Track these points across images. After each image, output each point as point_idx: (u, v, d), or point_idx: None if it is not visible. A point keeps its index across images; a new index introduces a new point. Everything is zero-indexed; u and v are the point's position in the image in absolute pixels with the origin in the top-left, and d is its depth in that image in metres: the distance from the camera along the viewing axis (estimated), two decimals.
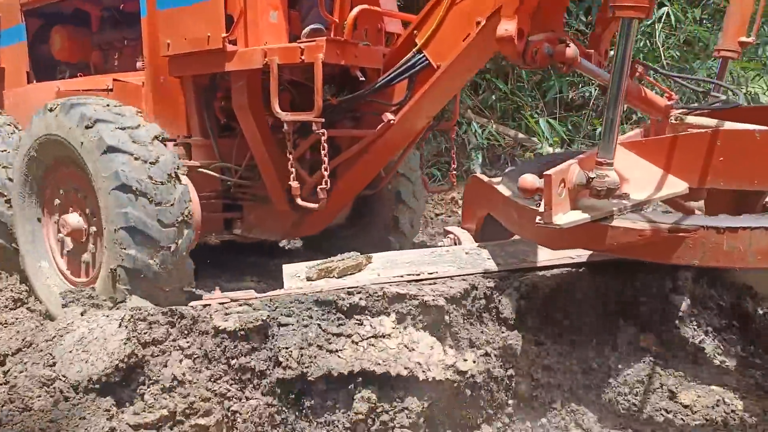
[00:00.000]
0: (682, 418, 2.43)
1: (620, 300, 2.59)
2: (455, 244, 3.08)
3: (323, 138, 3.09)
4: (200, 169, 3.76)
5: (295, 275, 2.66)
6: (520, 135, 7.23)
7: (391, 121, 3.30)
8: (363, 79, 3.27)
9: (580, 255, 2.69)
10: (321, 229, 4.10)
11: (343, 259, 2.66)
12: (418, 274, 2.59)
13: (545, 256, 2.71)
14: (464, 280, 2.54)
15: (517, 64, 2.61)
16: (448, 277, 2.58)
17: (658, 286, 2.59)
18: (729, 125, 2.30)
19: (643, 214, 2.11)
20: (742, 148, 2.17)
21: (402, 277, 2.59)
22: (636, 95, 2.96)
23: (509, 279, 2.56)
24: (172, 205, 2.97)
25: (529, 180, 2.06)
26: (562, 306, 2.56)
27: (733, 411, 2.38)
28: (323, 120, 3.10)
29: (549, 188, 1.96)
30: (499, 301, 2.49)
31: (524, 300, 2.52)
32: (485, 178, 2.91)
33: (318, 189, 3.25)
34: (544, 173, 1.98)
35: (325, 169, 3.15)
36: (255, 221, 4.09)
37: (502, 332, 2.46)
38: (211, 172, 3.80)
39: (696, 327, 2.59)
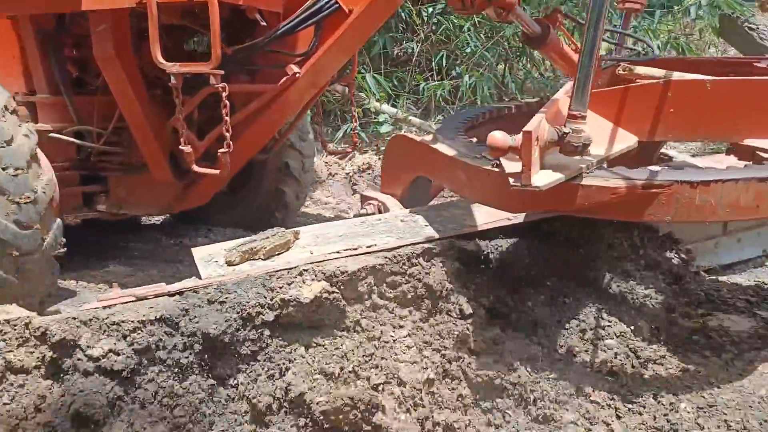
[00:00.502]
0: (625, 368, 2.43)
1: (561, 258, 2.52)
2: (379, 211, 2.80)
3: (224, 93, 2.60)
4: (52, 134, 3.07)
5: (212, 260, 2.21)
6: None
7: (297, 74, 2.89)
8: (264, 23, 2.80)
9: (517, 216, 2.56)
10: (208, 200, 3.58)
11: (267, 238, 2.26)
12: (356, 248, 2.28)
13: (483, 219, 2.54)
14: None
15: (454, 7, 2.33)
16: (389, 249, 2.30)
17: (596, 241, 2.57)
18: (678, 75, 2.25)
19: (612, 170, 1.99)
20: (692, 98, 2.13)
21: (339, 252, 2.26)
22: (555, 48, 2.85)
23: (453, 244, 2.35)
24: (32, 201, 2.33)
25: (500, 138, 1.83)
26: (508, 267, 2.42)
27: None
28: (223, 72, 2.61)
29: (529, 147, 1.75)
30: (446, 267, 2.28)
31: (471, 264, 2.34)
32: (416, 138, 2.65)
33: (219, 153, 2.77)
34: (524, 130, 1.76)
35: (227, 130, 2.68)
36: (124, 195, 3.47)
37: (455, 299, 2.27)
38: (66, 138, 3.12)
39: (637, 281, 2.61)
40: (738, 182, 1.86)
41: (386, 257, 2.18)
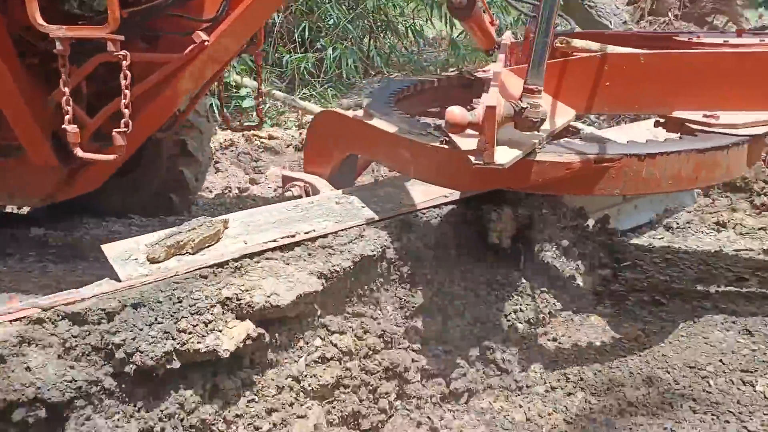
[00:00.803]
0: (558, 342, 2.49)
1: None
2: (306, 193, 2.61)
3: (125, 63, 2.26)
4: None
5: (130, 258, 1.92)
6: None
7: (205, 42, 2.58)
8: None
9: (453, 193, 2.50)
10: (98, 185, 3.16)
11: (194, 228, 2.00)
12: (294, 236, 2.09)
13: (420, 197, 2.44)
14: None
15: None
16: (329, 234, 2.14)
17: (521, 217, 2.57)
18: (612, 49, 2.27)
19: (563, 146, 1.96)
20: (627, 71, 2.15)
21: (276, 241, 2.06)
22: (478, 20, 2.79)
23: (393, 224, 2.24)
24: None
25: (459, 114, 1.72)
26: (448, 244, 2.35)
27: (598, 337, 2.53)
28: (122, 37, 2.26)
29: (492, 122, 1.65)
30: (391, 247, 2.17)
31: (413, 243, 2.24)
32: (349, 113, 2.47)
33: (115, 133, 2.42)
34: (487, 105, 1.66)
35: (127, 106, 2.34)
36: None
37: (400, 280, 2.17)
38: None
39: (567, 252, 2.66)
40: (680, 154, 1.91)
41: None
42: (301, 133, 5.46)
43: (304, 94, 6.53)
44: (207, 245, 1.99)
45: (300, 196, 2.62)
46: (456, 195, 2.48)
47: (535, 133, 1.92)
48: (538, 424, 2.09)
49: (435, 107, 2.99)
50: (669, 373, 2.29)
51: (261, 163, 5.11)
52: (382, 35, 8.06)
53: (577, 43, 2.38)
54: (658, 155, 1.88)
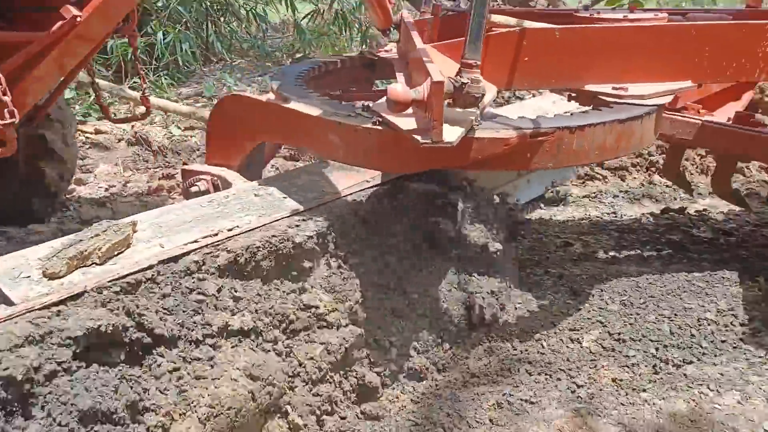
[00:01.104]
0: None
1: (418, 215, 2.44)
2: (214, 187, 2.36)
3: None
4: None
5: (20, 276, 1.59)
6: None
7: (77, 19, 2.23)
8: None
9: (375, 177, 2.40)
10: None
11: (98, 235, 1.70)
12: (216, 234, 1.87)
13: (342, 183, 2.31)
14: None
15: None
16: (253, 228, 1.94)
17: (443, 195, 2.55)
18: (529, 24, 2.27)
19: (498, 122, 1.92)
20: (544, 47, 2.17)
21: (197, 241, 1.82)
22: None
23: (320, 214, 2.09)
24: None
25: (402, 91, 1.62)
26: (374, 230, 2.25)
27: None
28: None
29: (440, 99, 1.57)
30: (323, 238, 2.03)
31: (341, 230, 2.12)
32: (260, 97, 2.25)
33: None
34: (434, 81, 1.57)
35: (5, 92, 1.95)
36: None
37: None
38: None
39: (481, 229, 2.66)
40: (605, 125, 1.96)
41: None
42: (133, 126, 4.83)
43: (134, 83, 5.90)
44: (117, 252, 1.71)
45: (207, 192, 2.37)
46: (378, 179, 2.38)
47: (469, 110, 1.87)
48: (386, 408, 2.07)
49: (338, 90, 2.85)
50: (508, 340, 2.40)
51: (89, 161, 4.47)
52: (222, 20, 7.62)
53: (496, 18, 2.36)
54: (586, 127, 1.92)
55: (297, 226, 1.96)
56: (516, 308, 2.57)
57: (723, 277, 2.80)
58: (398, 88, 1.62)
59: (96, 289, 1.56)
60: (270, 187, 2.22)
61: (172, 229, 1.88)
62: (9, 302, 1.49)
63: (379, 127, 1.87)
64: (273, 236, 1.89)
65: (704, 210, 3.75)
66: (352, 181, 2.30)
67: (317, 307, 1.93)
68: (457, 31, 2.60)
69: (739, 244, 3.20)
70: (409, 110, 1.79)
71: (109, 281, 1.60)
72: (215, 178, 2.37)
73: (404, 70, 2.49)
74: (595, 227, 3.57)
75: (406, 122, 1.76)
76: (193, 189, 2.37)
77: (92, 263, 1.65)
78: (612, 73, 2.23)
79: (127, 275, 1.64)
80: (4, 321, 1.43)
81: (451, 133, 1.65)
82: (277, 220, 2.01)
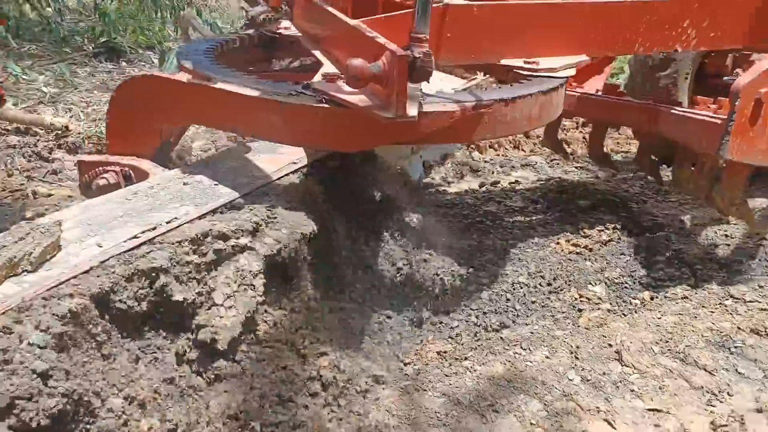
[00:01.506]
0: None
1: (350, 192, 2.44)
2: (125, 179, 2.14)
3: None
4: None
5: None
6: None
7: None
8: None
9: (300, 159, 2.33)
10: None
11: (22, 239, 1.47)
12: (154, 228, 1.70)
13: (270, 167, 2.21)
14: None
15: None
16: (192, 220, 1.80)
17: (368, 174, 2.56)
18: (451, 0, 2.30)
19: (440, 96, 1.95)
20: (464, 23, 2.22)
21: (137, 237, 1.65)
22: None
23: (258, 199, 2.00)
24: None
25: (360, 65, 1.59)
26: (312, 209, 2.20)
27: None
28: None
29: (404, 73, 1.56)
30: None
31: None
32: (179, 77, 2.05)
33: None
34: (398, 54, 1.55)
35: None
36: None
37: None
38: None
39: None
40: (532, 97, 2.08)
41: None
42: None
43: None
44: (50, 256, 1.50)
45: (117, 184, 2.15)
46: (303, 160, 2.32)
47: (415, 84, 1.88)
48: None
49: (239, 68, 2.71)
50: None
51: None
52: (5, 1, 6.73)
53: None
54: (518, 99, 2.02)
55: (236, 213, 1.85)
56: None
57: (532, 242, 3.06)
58: (357, 62, 1.58)
59: (39, 300, 1.35)
60: (197, 175, 2.06)
61: (104, 225, 1.68)
62: None
63: (326, 106, 1.81)
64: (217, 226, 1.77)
65: (516, 181, 4.04)
66: (278, 165, 2.21)
67: None
68: (371, 7, 2.60)
69: (544, 211, 3.52)
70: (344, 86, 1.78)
71: (51, 287, 1.39)
72: (125, 169, 2.15)
73: (318, 48, 2.43)
74: None
75: (358, 99, 1.73)
76: (102, 182, 2.13)
77: (23, 271, 1.43)
78: (525, 48, 2.36)
79: (69, 280, 1.44)
80: None
81: (411, 108, 1.65)
82: (217, 208, 1.89)
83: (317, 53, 2.35)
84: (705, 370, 2.30)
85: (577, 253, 2.99)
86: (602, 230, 3.19)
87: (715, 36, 2.82)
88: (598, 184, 3.93)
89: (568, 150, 4.37)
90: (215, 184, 2.02)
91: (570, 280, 2.82)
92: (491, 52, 2.33)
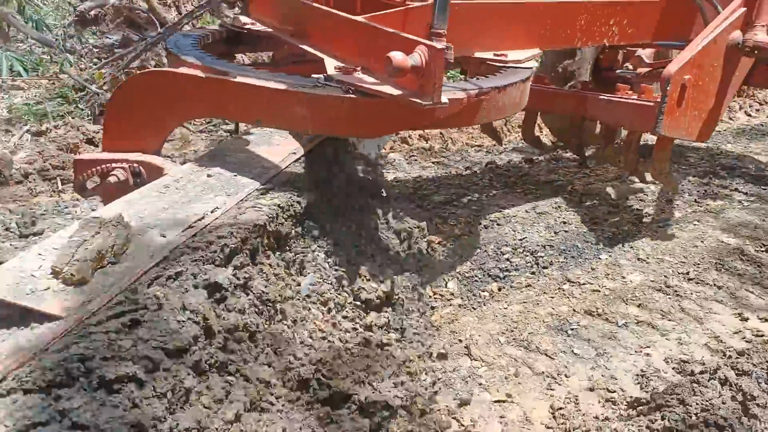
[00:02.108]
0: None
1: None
2: (135, 175, 2.13)
3: None
4: None
5: (36, 290, 1.32)
6: None
7: None
8: None
9: (297, 149, 2.43)
10: None
11: (98, 232, 1.48)
12: (202, 217, 1.76)
13: (274, 157, 2.30)
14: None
15: None
16: (230, 208, 1.87)
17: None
18: None
19: (447, 85, 2.14)
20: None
21: (192, 227, 1.70)
22: None
23: (278, 187, 2.09)
24: None
25: (402, 59, 1.76)
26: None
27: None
28: None
29: (441, 64, 1.75)
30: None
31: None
32: (193, 72, 2.07)
33: None
34: (436, 48, 1.74)
35: None
36: None
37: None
38: None
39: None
40: (516, 84, 2.35)
41: None
42: None
43: None
44: (125, 249, 1.52)
45: (126, 181, 2.13)
46: (300, 151, 2.42)
47: None
48: None
49: None
50: None
51: None
52: None
53: None
54: (508, 87, 2.28)
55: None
56: None
57: None
58: (398, 56, 1.75)
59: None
60: (214, 168, 2.11)
61: (155, 218, 1.71)
62: (51, 317, 1.26)
63: (352, 96, 1.95)
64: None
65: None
66: (280, 155, 2.30)
67: None
68: (350, 4, 2.75)
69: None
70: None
71: (145, 271, 1.44)
72: (135, 165, 2.14)
73: (305, 42, 2.53)
74: None
75: (388, 89, 1.90)
76: (112, 179, 2.11)
77: (108, 263, 1.45)
78: (494, 42, 2.63)
79: (152, 268, 1.48)
80: (64, 335, 1.21)
81: (444, 96, 1.84)
82: (246, 198, 1.96)
83: (307, 47, 2.46)
84: (546, 354, 2.35)
85: (432, 250, 3.03)
86: (455, 225, 3.34)
87: (632, 33, 3.28)
88: (452, 179, 4.10)
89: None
90: (235, 175, 2.08)
91: (424, 278, 2.78)
92: (467, 45, 2.58)
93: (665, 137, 2.93)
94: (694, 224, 3.54)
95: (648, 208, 3.76)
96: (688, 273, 2.99)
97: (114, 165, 2.13)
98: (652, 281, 2.90)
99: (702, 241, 3.33)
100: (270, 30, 2.85)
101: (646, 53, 4.19)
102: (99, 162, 2.16)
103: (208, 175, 2.04)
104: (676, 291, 2.83)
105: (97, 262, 1.42)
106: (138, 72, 2.11)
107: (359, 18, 2.15)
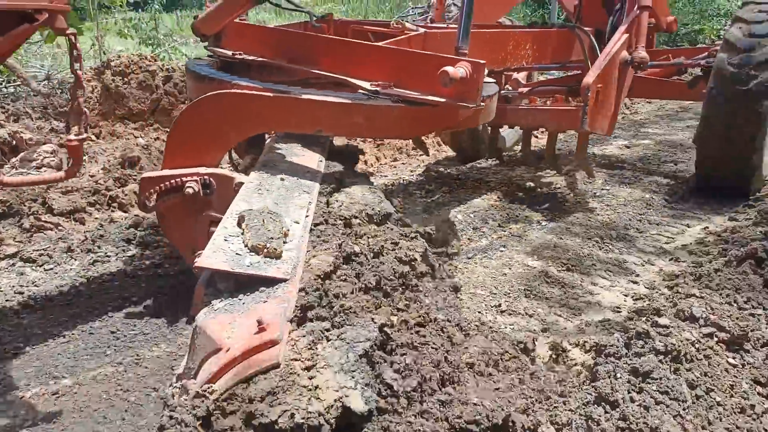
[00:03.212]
0: None
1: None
2: (205, 186, 2.37)
3: None
4: None
5: (249, 264, 1.59)
6: None
7: None
8: None
9: (321, 157, 2.80)
10: None
11: (263, 224, 1.78)
12: (308, 209, 2.10)
13: (310, 163, 2.64)
14: None
15: None
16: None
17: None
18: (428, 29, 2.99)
19: None
20: (432, 42, 2.98)
21: (308, 216, 2.03)
22: None
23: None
24: None
25: (453, 71, 2.26)
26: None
27: None
28: None
29: (482, 76, 2.28)
30: None
31: None
32: (263, 93, 2.36)
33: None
34: (478, 63, 2.26)
35: None
36: None
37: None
38: None
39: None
40: (496, 94, 2.94)
41: None
42: None
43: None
44: (287, 231, 1.84)
45: (198, 192, 2.37)
46: (323, 159, 2.80)
47: None
48: None
49: None
50: None
51: None
52: None
53: (408, 24, 3.05)
54: (493, 95, 2.86)
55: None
56: None
57: None
58: (451, 70, 2.24)
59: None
60: (278, 175, 2.42)
61: (282, 209, 2.02)
62: (277, 280, 1.56)
63: (401, 105, 2.41)
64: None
65: None
66: (313, 161, 2.65)
67: None
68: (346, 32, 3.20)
69: None
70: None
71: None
72: (205, 177, 2.38)
73: (317, 67, 2.91)
74: None
75: (434, 98, 2.38)
76: (189, 190, 2.33)
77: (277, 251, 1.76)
78: None
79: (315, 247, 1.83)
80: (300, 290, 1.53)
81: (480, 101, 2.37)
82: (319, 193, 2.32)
83: (320, 71, 2.85)
84: None
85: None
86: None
87: (539, 56, 4.09)
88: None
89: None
90: (297, 179, 2.42)
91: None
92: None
93: (586, 132, 3.73)
94: (501, 250, 3.60)
95: (454, 240, 3.77)
96: (500, 305, 2.97)
97: (186, 179, 2.36)
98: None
99: (510, 268, 3.37)
100: (261, 58, 3.18)
101: (521, 76, 5.09)
102: (168, 178, 2.37)
103: (281, 179, 2.36)
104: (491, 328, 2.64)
105: (282, 239, 1.73)
106: (206, 96, 2.36)
107: (387, 45, 2.62)
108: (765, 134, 3.91)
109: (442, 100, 2.37)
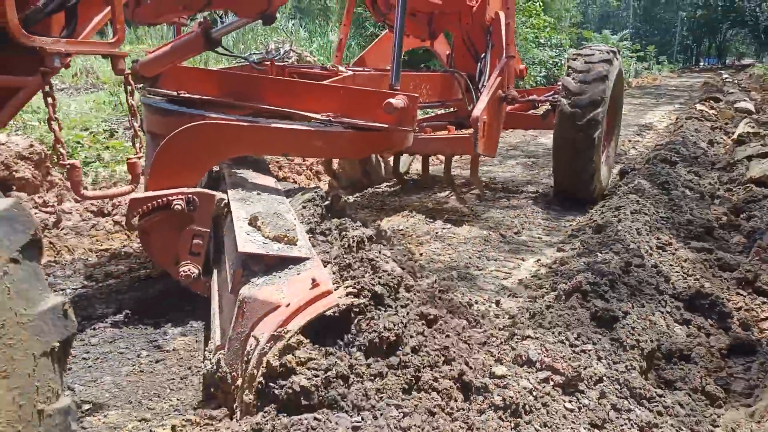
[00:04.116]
0: None
1: None
2: (188, 204, 2.73)
3: None
4: None
5: (277, 249, 2.04)
6: None
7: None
8: None
9: (275, 179, 3.28)
10: None
11: (272, 220, 2.23)
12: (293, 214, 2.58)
13: (269, 181, 3.11)
14: None
15: None
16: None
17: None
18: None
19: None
20: (350, 83, 3.58)
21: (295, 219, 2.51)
22: None
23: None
24: None
25: (395, 102, 2.87)
26: None
27: None
28: None
29: (416, 106, 2.92)
30: None
31: None
32: (236, 122, 2.77)
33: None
34: (411, 96, 2.90)
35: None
36: None
37: None
38: None
39: None
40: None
41: None
42: None
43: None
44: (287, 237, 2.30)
45: (184, 209, 2.72)
46: (276, 181, 3.27)
47: None
48: None
49: None
50: None
51: None
52: None
53: (339, 68, 3.60)
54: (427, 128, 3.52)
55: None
56: None
57: None
58: (394, 101, 2.85)
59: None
60: (252, 191, 2.84)
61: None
62: (303, 259, 2.04)
63: (351, 131, 2.97)
64: None
65: None
66: (271, 182, 3.11)
67: None
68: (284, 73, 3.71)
69: None
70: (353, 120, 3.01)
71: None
72: (189, 196, 2.74)
73: (264, 102, 3.38)
74: None
75: (378, 124, 2.97)
76: (177, 207, 2.68)
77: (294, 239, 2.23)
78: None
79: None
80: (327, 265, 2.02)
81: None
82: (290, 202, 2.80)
83: (269, 107, 3.33)
84: None
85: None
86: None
87: (431, 95, 4.87)
88: None
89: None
90: (269, 194, 2.87)
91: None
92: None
93: (477, 155, 4.52)
94: None
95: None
96: None
97: (172, 198, 2.71)
98: None
99: None
100: (207, 96, 3.58)
101: None
102: (154, 198, 2.70)
103: (258, 194, 2.80)
104: None
105: (294, 230, 2.20)
106: (190, 126, 2.75)
107: (331, 83, 3.18)
108: (600, 155, 4.98)
109: (386, 125, 2.97)
